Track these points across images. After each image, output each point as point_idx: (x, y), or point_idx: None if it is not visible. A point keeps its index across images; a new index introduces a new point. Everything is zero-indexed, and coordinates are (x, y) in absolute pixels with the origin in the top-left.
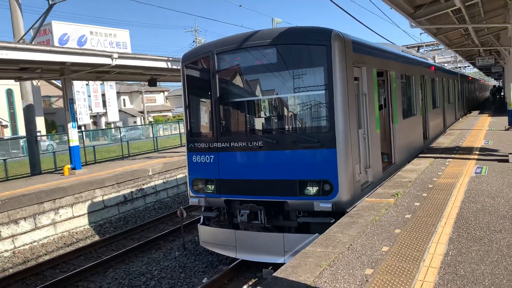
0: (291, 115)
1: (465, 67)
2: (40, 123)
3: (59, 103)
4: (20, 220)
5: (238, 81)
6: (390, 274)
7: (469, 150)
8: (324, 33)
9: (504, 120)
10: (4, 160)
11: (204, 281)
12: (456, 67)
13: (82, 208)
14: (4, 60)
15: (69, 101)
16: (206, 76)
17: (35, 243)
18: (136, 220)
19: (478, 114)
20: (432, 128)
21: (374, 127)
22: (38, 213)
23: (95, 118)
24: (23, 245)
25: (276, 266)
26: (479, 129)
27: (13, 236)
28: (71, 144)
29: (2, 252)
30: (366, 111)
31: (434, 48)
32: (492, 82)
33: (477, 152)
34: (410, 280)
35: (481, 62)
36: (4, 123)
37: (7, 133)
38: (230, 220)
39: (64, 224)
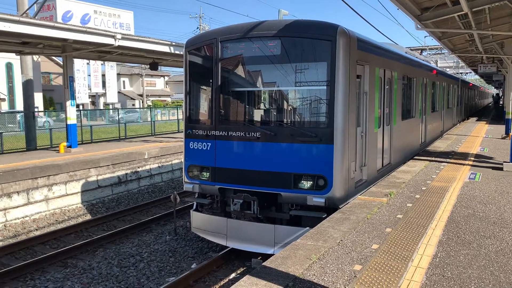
0: (290, 108)
1: (467, 73)
2: (38, 99)
3: (58, 80)
4: (13, 194)
5: (240, 70)
6: (379, 272)
7: (464, 156)
8: (330, 28)
9: (501, 128)
10: (0, 133)
11: (193, 266)
12: (457, 73)
13: (76, 186)
14: (6, 33)
15: (69, 79)
16: (208, 63)
17: (27, 218)
18: (129, 202)
19: (476, 120)
20: (430, 131)
21: (373, 126)
22: (32, 188)
23: (94, 98)
24: (15, 219)
25: (265, 257)
26: (476, 135)
27: (5, 209)
28: (69, 122)
29: None
30: (365, 110)
31: (437, 52)
32: (492, 90)
33: (472, 158)
34: (398, 278)
35: (483, 69)
36: (2, 96)
37: (5, 107)
38: (223, 208)
39: (57, 201)
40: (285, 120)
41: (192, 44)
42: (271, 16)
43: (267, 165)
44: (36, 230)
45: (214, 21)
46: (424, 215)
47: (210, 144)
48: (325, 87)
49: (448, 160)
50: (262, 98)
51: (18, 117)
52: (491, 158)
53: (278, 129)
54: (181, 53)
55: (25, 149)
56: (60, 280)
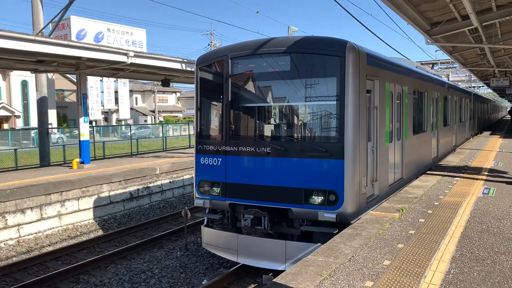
0: (300, 123)
1: (479, 87)
2: (52, 115)
3: (72, 97)
4: (27, 210)
5: (250, 86)
6: None
7: (478, 170)
8: (339, 44)
9: None
10: (15, 150)
11: (203, 282)
12: (470, 87)
13: (88, 202)
14: (22, 52)
15: (83, 96)
16: (219, 79)
17: (40, 234)
18: (141, 217)
19: (490, 134)
20: (442, 146)
21: (384, 140)
22: (45, 204)
23: (107, 114)
24: (28, 235)
25: (277, 273)
26: (490, 150)
27: (18, 225)
28: (82, 138)
29: (7, 240)
30: (376, 124)
31: (449, 66)
32: (506, 103)
33: (486, 173)
34: None
35: (496, 83)
36: (17, 113)
37: (19, 124)
38: (234, 224)
39: (69, 216)
40: (295, 135)
41: (203, 61)
42: (281, 33)
43: (278, 180)
44: (49, 245)
45: (225, 38)
46: (437, 230)
47: (220, 159)
48: (335, 102)
49: (461, 174)
50: (272, 114)
51: (33, 133)
52: (505, 172)
53: (288, 144)
54: (193, 69)
55: (39, 165)
56: None
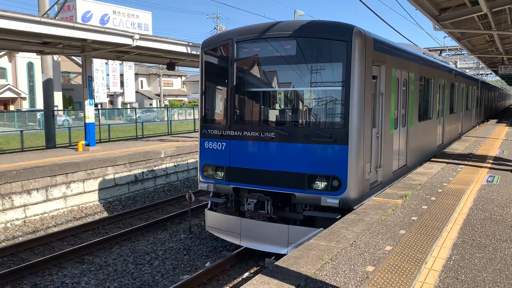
0: (305, 109)
1: (487, 74)
2: (57, 98)
3: (78, 80)
4: (33, 191)
5: (255, 71)
6: (391, 273)
7: (482, 158)
8: (346, 29)
9: None
10: (21, 131)
11: (206, 265)
12: (477, 74)
13: (93, 184)
14: (28, 33)
15: (88, 78)
16: (224, 63)
17: (46, 215)
18: (145, 200)
19: (496, 122)
20: (447, 133)
21: (389, 127)
22: (50, 186)
23: (112, 97)
24: (34, 215)
25: (279, 257)
26: (495, 138)
27: (25, 205)
28: (87, 121)
29: (14, 220)
30: (381, 111)
31: (457, 52)
32: None
33: (491, 161)
34: (411, 280)
35: (504, 70)
36: (23, 95)
37: (25, 106)
38: (237, 208)
39: (75, 198)
40: (300, 120)
41: (208, 45)
42: (288, 16)
43: (281, 166)
44: (54, 226)
45: (231, 22)
46: (440, 217)
47: (225, 144)
48: (340, 88)
49: (465, 162)
50: (277, 99)
51: (38, 115)
52: (510, 160)
53: (292, 130)
54: (198, 53)
55: (44, 147)
56: (77, 276)
